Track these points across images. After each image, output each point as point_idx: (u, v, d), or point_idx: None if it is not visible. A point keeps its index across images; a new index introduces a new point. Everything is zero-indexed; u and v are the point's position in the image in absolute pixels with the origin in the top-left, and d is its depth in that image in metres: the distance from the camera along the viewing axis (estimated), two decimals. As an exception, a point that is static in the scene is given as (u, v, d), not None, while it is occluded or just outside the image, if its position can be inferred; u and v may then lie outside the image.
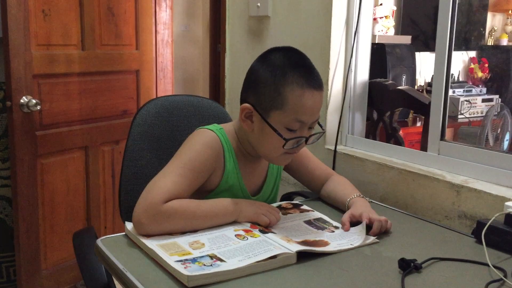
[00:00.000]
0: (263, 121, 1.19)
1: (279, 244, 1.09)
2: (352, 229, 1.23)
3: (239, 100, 1.26)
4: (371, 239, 1.19)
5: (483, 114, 3.20)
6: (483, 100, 3.37)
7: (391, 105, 2.07)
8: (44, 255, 2.28)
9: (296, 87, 1.16)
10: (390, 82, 2.19)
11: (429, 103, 1.66)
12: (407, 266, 1.04)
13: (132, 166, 1.45)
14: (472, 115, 3.27)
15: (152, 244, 1.06)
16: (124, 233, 1.17)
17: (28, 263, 2.19)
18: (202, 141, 1.24)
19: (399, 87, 2.12)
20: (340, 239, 1.18)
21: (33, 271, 2.22)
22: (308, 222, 1.27)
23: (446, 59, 1.57)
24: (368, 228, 1.21)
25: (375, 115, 2.15)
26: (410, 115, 3.21)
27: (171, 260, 0.99)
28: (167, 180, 1.14)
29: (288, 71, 1.16)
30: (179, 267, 0.96)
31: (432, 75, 3.68)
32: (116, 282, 1.12)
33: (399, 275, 1.02)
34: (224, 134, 1.27)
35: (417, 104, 2.01)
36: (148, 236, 1.10)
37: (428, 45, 3.73)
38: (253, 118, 1.21)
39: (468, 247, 1.20)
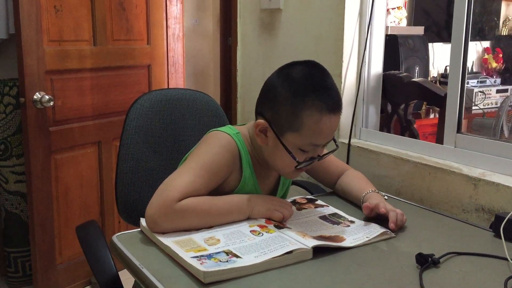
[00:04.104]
0: (277, 139, 1.17)
1: (295, 239, 1.09)
2: (373, 224, 1.21)
3: (255, 110, 1.23)
4: (388, 233, 1.17)
5: (498, 105, 3.16)
6: (498, 91, 3.32)
7: (405, 98, 2.05)
8: (59, 250, 2.29)
9: (315, 112, 1.12)
10: (405, 74, 2.16)
11: (445, 95, 1.63)
12: (425, 261, 1.03)
13: (128, 160, 1.45)
14: (486, 106, 3.22)
15: (167, 240, 1.06)
16: (139, 229, 1.17)
17: (43, 258, 2.21)
18: (219, 143, 1.22)
19: (414, 79, 2.08)
20: (355, 233, 1.17)
21: (48, 265, 2.24)
22: (323, 218, 1.26)
23: (462, 50, 1.54)
24: (384, 222, 1.20)
25: (389, 108, 2.12)
26: (423, 107, 3.18)
27: (187, 256, 0.98)
28: (182, 180, 1.13)
29: (309, 94, 1.13)
30: (195, 263, 0.95)
31: (446, 66, 3.66)
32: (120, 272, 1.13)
33: (417, 270, 1.01)
34: (241, 140, 1.25)
35: (432, 96, 1.98)
36: (162, 233, 1.10)
37: (441, 35, 3.68)
38: (267, 134, 1.19)
39: (486, 241, 1.18)
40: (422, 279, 0.97)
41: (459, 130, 1.58)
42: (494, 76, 3.70)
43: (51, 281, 2.26)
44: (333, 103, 1.14)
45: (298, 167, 1.17)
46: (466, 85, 1.58)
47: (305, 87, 1.13)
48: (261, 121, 1.19)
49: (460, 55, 1.56)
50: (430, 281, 0.97)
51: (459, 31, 1.56)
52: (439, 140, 1.69)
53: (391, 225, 1.18)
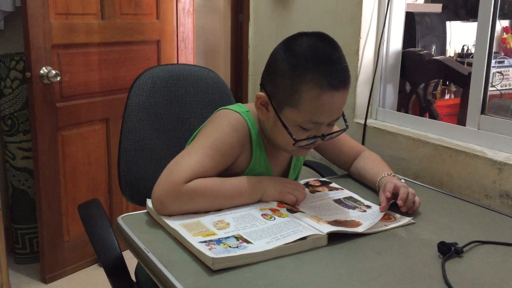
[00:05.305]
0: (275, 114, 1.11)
1: (309, 224, 1.03)
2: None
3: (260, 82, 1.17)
4: (407, 219, 1.12)
5: (516, 86, 3.07)
6: (516, 72, 3.22)
7: (426, 76, 1.96)
8: (67, 227, 2.27)
9: (314, 88, 1.04)
10: (426, 51, 2.06)
11: (469, 74, 1.55)
12: (448, 250, 0.97)
13: (130, 137, 1.40)
14: (504, 87, 3.13)
15: (174, 223, 1.00)
16: (145, 210, 1.12)
17: (50, 235, 2.19)
18: (229, 122, 1.15)
19: (436, 57, 1.99)
20: (372, 218, 1.11)
21: (55, 243, 2.22)
22: (338, 201, 1.21)
23: (489, 28, 1.45)
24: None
25: (407, 87, 2.04)
26: (439, 87, 3.09)
27: (194, 241, 0.93)
28: (191, 160, 1.08)
29: (310, 67, 1.04)
30: (203, 249, 0.90)
31: (463, 45, 3.55)
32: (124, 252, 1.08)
33: (439, 259, 0.96)
34: (251, 118, 1.19)
35: (455, 75, 1.89)
36: (169, 215, 1.05)
37: (458, 14, 3.57)
38: (268, 107, 1.13)
39: (511, 229, 1.12)
40: (445, 269, 0.91)
41: (483, 111, 1.50)
42: (513, 56, 3.59)
43: (59, 258, 2.25)
44: (337, 79, 1.05)
45: (295, 145, 1.10)
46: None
47: (306, 60, 1.05)
48: (261, 94, 1.13)
49: (487, 33, 1.47)
50: (453, 272, 0.91)
51: (487, 8, 1.46)
52: (461, 121, 1.61)
53: (400, 202, 1.13)
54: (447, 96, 3.24)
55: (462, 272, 0.92)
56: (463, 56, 3.52)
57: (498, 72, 3.11)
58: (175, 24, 2.62)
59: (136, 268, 1.35)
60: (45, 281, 2.21)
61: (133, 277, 1.22)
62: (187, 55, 2.75)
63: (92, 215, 1.24)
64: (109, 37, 2.30)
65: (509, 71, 3.20)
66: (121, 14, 2.34)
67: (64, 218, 2.25)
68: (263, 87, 1.14)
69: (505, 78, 3.14)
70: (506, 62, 3.37)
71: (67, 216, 2.26)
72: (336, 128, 1.18)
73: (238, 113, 1.18)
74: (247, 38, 2.47)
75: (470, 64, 2.72)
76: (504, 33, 3.82)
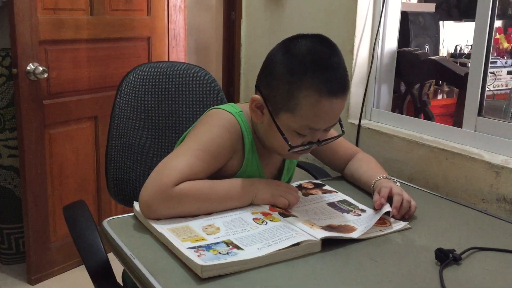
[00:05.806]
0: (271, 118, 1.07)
1: (302, 229, 0.99)
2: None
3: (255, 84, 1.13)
4: (402, 224, 1.08)
5: (509, 87, 3.06)
6: (509, 72, 3.22)
7: (421, 77, 1.93)
8: (54, 227, 2.22)
9: (313, 94, 1.01)
10: (421, 51, 2.03)
11: (465, 74, 1.52)
12: (445, 258, 0.93)
13: (119, 136, 1.36)
14: (496, 88, 3.12)
15: (162, 228, 0.96)
16: (132, 213, 1.08)
17: (36, 235, 2.14)
18: (220, 123, 1.11)
19: (432, 57, 1.96)
20: (367, 223, 1.08)
21: (42, 243, 2.17)
22: (332, 205, 1.17)
23: (487, 27, 1.43)
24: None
25: (402, 87, 2.01)
26: (432, 87, 3.07)
27: (183, 247, 0.89)
28: (180, 162, 1.04)
29: (308, 72, 1.01)
30: (192, 256, 0.86)
31: (456, 45, 3.53)
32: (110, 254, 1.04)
33: (436, 266, 0.93)
34: (244, 119, 1.15)
35: (451, 76, 1.86)
36: (157, 219, 1.01)
37: (451, 13, 3.55)
38: (263, 110, 1.09)
39: (510, 235, 1.09)
40: (443, 278, 0.88)
41: (480, 112, 1.47)
42: (505, 57, 3.58)
43: (45, 259, 2.20)
44: (336, 85, 1.02)
45: (291, 151, 1.07)
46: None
47: (305, 65, 1.02)
48: (257, 96, 1.09)
49: (484, 34, 1.44)
50: (451, 280, 0.88)
51: (485, 9, 1.43)
52: (457, 123, 1.58)
53: (394, 210, 1.09)
54: (439, 97, 3.22)
55: (461, 280, 0.89)
56: (456, 56, 3.50)
57: (490, 72, 3.10)
58: (166, 21, 2.58)
59: (123, 271, 1.31)
60: (31, 282, 2.16)
61: (120, 281, 1.18)
62: (178, 53, 2.71)
63: (77, 218, 1.20)
64: (98, 33, 2.25)
65: (501, 71, 3.19)
66: (111, 10, 2.29)
67: (51, 218, 2.20)
68: (258, 89, 1.10)
69: (498, 79, 3.13)
70: (499, 63, 3.37)
71: (54, 216, 2.21)
72: (331, 132, 1.15)
73: (231, 113, 1.14)
74: (239, 36, 2.43)
75: (462, 64, 2.70)
76: (497, 33, 3.81)
